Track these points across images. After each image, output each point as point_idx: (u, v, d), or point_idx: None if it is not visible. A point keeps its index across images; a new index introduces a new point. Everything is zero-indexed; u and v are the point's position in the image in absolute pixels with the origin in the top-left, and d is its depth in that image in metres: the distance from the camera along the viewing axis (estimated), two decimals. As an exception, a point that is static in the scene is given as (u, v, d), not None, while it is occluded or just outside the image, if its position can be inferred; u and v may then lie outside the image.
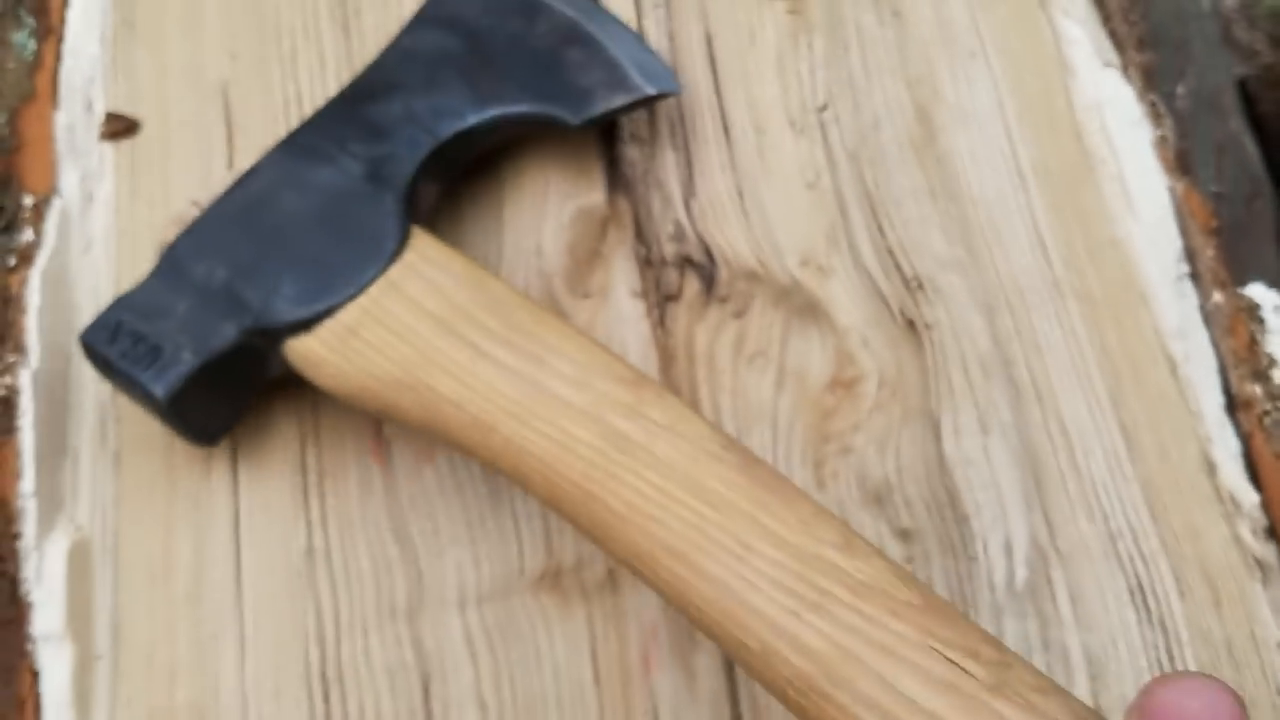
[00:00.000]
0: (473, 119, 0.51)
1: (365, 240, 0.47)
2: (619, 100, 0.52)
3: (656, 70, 0.52)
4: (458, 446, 0.44)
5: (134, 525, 0.52)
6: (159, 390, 0.45)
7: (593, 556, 0.49)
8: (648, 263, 0.54)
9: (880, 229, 0.52)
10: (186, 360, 0.45)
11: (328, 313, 0.46)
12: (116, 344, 0.46)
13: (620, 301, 0.53)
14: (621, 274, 0.54)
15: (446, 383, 0.44)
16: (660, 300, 0.53)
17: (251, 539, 0.50)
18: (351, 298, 0.46)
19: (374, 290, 0.46)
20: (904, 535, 0.48)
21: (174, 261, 0.47)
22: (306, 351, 0.45)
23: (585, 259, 0.54)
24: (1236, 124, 0.86)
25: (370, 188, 0.48)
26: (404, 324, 0.45)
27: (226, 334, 0.46)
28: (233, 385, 0.48)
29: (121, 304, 0.47)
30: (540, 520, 0.49)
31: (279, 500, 0.51)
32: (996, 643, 0.35)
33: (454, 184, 0.54)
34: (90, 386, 0.54)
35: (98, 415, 0.54)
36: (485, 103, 0.51)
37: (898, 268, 0.51)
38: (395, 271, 0.46)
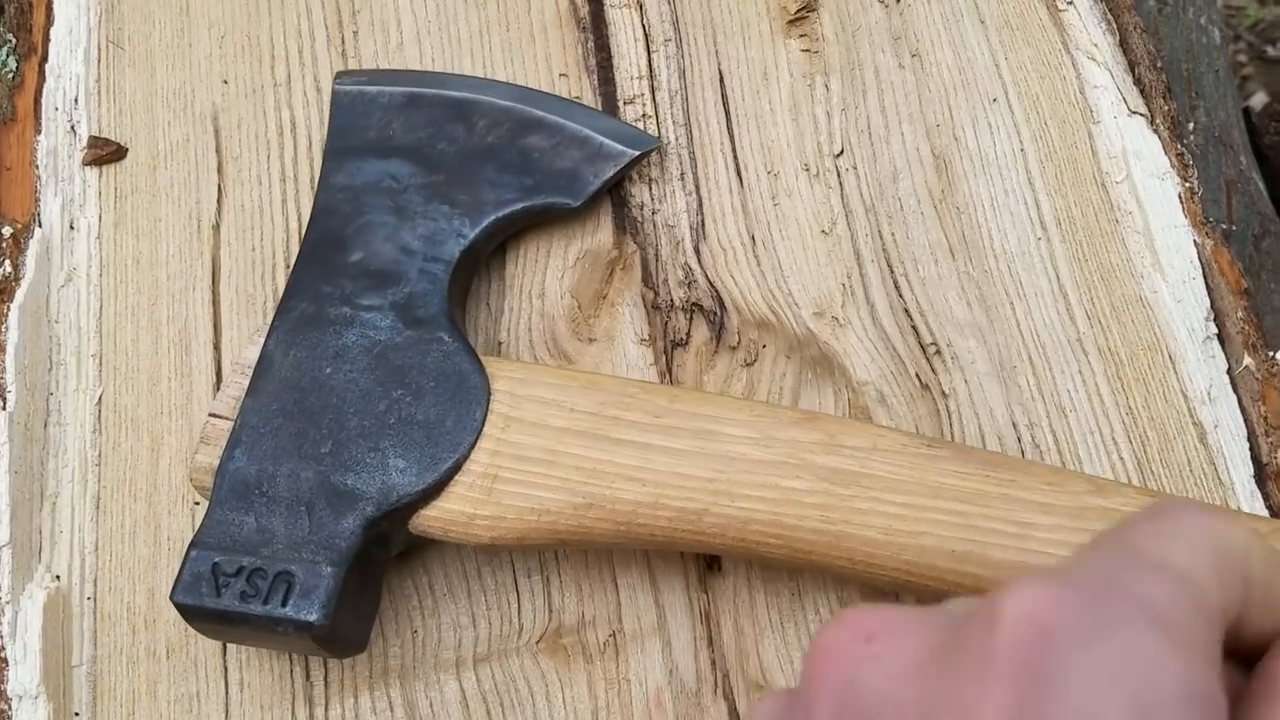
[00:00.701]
0: (472, 233, 0.49)
1: (450, 384, 0.45)
2: (608, 172, 0.51)
3: (626, 132, 0.52)
4: (667, 544, 0.43)
5: (116, 574, 0.50)
6: (316, 616, 0.41)
7: (595, 617, 0.47)
8: (655, 307, 0.53)
9: (897, 287, 0.50)
10: (327, 574, 0.42)
11: (455, 470, 0.44)
12: (227, 590, 0.42)
13: (626, 347, 0.52)
14: (628, 319, 0.52)
15: (630, 489, 0.42)
16: (668, 346, 0.52)
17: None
18: (473, 445, 0.44)
19: (491, 430, 0.44)
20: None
21: (236, 480, 0.44)
22: (447, 516, 0.43)
23: (590, 302, 0.53)
24: (1246, 160, 0.86)
25: (417, 332, 0.46)
26: (546, 449, 0.43)
27: (352, 531, 0.43)
28: (369, 580, 0.45)
29: (202, 547, 0.43)
30: (540, 576, 0.48)
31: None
32: None
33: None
34: (71, 426, 0.53)
35: (79, 457, 0.52)
36: (478, 214, 0.50)
37: (914, 330, 0.50)
38: (500, 404, 0.44)
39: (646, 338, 0.52)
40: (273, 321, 0.47)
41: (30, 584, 0.49)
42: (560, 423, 0.44)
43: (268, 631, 0.42)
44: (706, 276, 0.52)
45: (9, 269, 0.53)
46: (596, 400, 0.44)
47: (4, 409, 0.50)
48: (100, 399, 0.53)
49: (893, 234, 0.51)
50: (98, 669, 0.49)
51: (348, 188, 0.50)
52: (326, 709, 0.47)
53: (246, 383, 0.46)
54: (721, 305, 0.52)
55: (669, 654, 0.47)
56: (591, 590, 0.48)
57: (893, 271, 0.51)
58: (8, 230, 0.54)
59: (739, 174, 0.54)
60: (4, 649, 0.48)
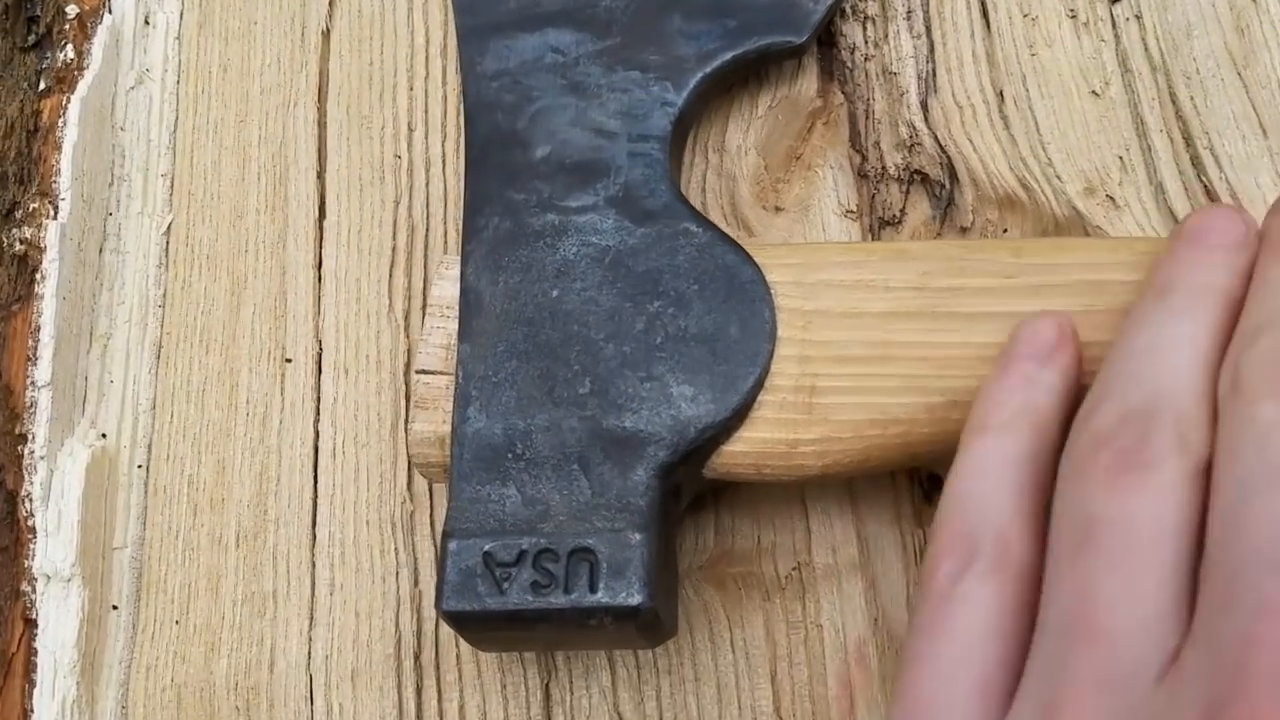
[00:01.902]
0: (679, 99, 0.40)
1: (719, 283, 0.36)
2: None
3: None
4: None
5: (177, 439, 0.41)
6: (640, 597, 0.32)
7: (775, 544, 0.38)
8: (862, 175, 0.43)
9: (1195, 164, 0.41)
10: (637, 542, 0.33)
11: (758, 387, 0.35)
12: (513, 584, 0.33)
13: (825, 220, 0.43)
14: (829, 185, 0.43)
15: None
16: (875, 224, 0.42)
17: (336, 476, 0.40)
18: (771, 353, 0.35)
19: (789, 331, 0.35)
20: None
21: (481, 446, 0.35)
22: (761, 448, 0.35)
23: (781, 162, 0.44)
24: None
25: (653, 228, 0.37)
26: (873, 342, 0.35)
27: (646, 485, 0.34)
28: (669, 544, 0.36)
29: (461, 536, 0.33)
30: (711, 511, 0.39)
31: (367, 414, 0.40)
32: None
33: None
34: (132, 256, 0.44)
35: (139, 292, 0.43)
36: (679, 75, 0.40)
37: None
38: (788, 297, 0.36)
39: (853, 210, 0.43)
40: (462, 246, 0.38)
41: (70, 439, 0.41)
42: (879, 305, 0.35)
43: (575, 628, 0.33)
44: (936, 139, 0.43)
45: (71, 55, 0.45)
46: (917, 271, 0.35)
47: (55, 218, 0.42)
48: (169, 228, 0.45)
49: (1190, 99, 0.42)
50: (146, 554, 0.40)
51: (502, 73, 0.41)
52: (437, 622, 0.38)
53: (453, 326, 0.37)
54: (953, 175, 0.42)
55: (874, 598, 0.37)
56: (773, 510, 0.39)
57: (1190, 145, 0.41)
58: (73, 9, 0.45)
59: (985, 15, 0.44)
60: (32, 515, 0.39)
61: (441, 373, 0.37)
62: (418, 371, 0.37)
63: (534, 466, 0.35)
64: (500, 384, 0.36)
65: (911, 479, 0.39)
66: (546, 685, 0.38)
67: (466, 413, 0.35)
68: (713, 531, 0.39)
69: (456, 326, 0.37)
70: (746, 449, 0.35)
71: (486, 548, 0.33)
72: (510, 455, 0.35)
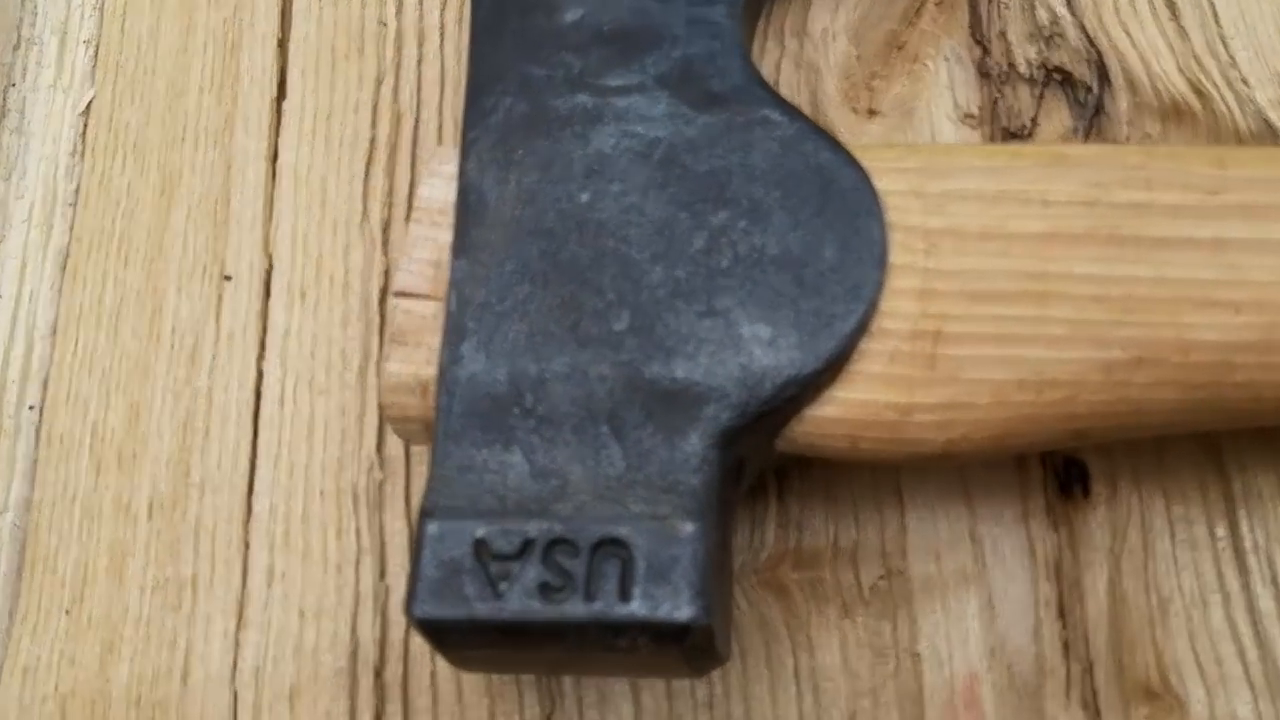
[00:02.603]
0: None
1: (810, 189, 0.27)
2: None
3: None
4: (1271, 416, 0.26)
5: (81, 375, 0.32)
6: (691, 610, 0.23)
7: (858, 544, 0.30)
8: (984, 72, 0.34)
9: None
10: (689, 535, 0.24)
11: (860, 331, 0.26)
12: (513, 584, 0.24)
13: (932, 127, 0.34)
14: (942, 82, 0.34)
15: (1209, 320, 0.25)
16: (999, 134, 0.33)
17: (283, 431, 0.31)
18: (880, 285, 0.26)
19: (904, 256, 0.26)
20: None
21: (476, 395, 0.26)
22: (861, 414, 0.26)
23: (878, 52, 0.35)
24: None
25: (721, 115, 0.28)
26: (1021, 273, 0.26)
27: (702, 456, 0.25)
28: (728, 537, 0.27)
29: (444, 516, 0.24)
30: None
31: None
32: None
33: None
34: (38, 140, 0.35)
35: (43, 185, 0.34)
36: None
37: None
38: (905, 211, 0.27)
39: (972, 115, 0.34)
40: (463, 136, 0.28)
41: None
42: (1034, 225, 0.26)
43: (598, 649, 0.24)
44: (1083, 29, 0.34)
45: (-32, -125, 0.35)
46: (1085, 181, 0.26)
47: (-67, 80, 0.32)
48: (89, 107, 0.36)
49: None
50: (33, 521, 0.32)
51: None
52: (407, 629, 0.29)
53: (446, 238, 0.28)
54: (1103, 76, 0.33)
55: (990, 622, 0.29)
56: (856, 498, 0.30)
57: None
58: None
59: (1151, -128, 0.35)
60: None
61: (429, 297, 0.28)
62: (396, 294, 0.28)
63: (548, 426, 0.26)
64: (507, 314, 0.27)
65: (1044, 464, 0.30)
66: (549, 717, 0.29)
67: (460, 350, 0.26)
68: (773, 523, 0.30)
69: (450, 238, 0.28)
70: (841, 414, 0.26)
71: (479, 534, 0.24)
72: (517, 410, 0.26)
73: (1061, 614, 0.29)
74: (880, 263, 0.26)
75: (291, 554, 0.30)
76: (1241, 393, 0.25)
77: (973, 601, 0.29)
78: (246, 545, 0.30)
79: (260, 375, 0.31)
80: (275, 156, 0.34)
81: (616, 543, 0.24)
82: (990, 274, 0.26)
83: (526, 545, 0.24)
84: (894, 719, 0.28)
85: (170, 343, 0.32)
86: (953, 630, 0.29)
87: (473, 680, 0.29)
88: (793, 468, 0.31)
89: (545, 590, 0.24)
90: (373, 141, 0.33)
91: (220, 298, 0.32)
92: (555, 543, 0.24)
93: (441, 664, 0.29)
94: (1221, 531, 0.29)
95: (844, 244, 0.27)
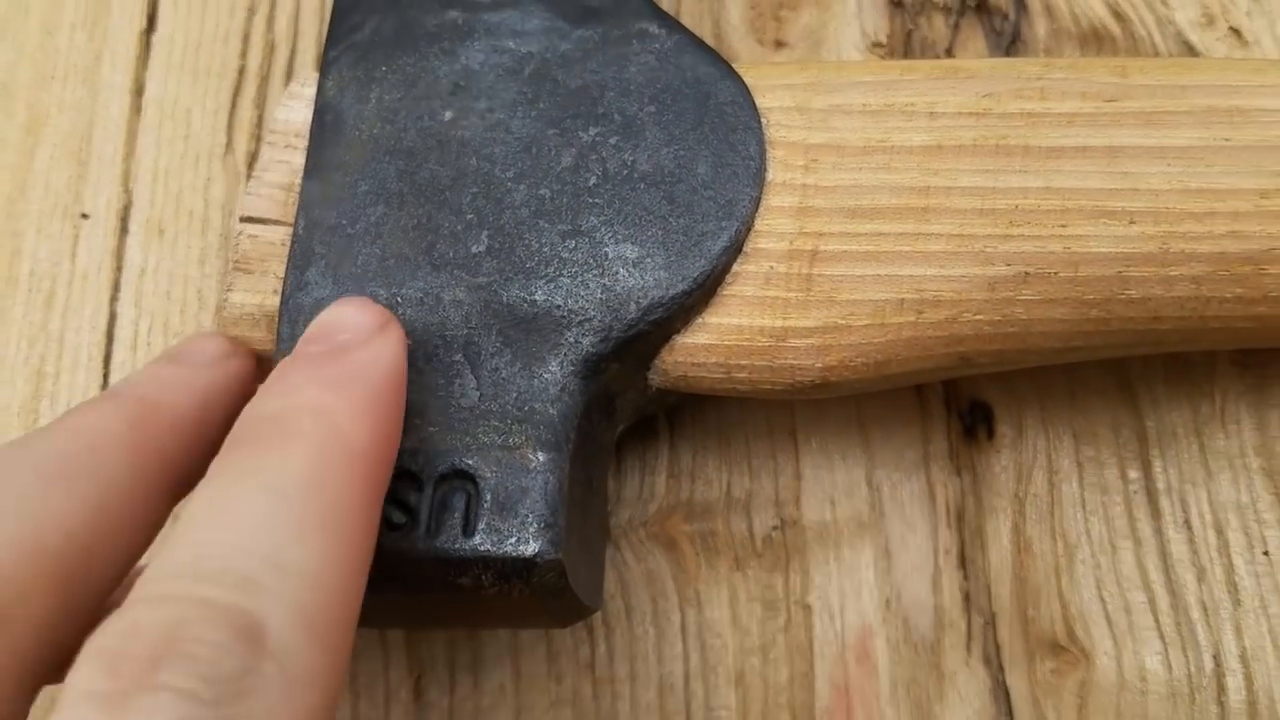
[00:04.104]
0: None
1: (686, 104, 0.26)
2: None
3: None
4: (1177, 341, 0.24)
5: (-75, 319, 0.31)
6: (538, 544, 0.22)
7: (751, 494, 0.28)
8: (897, 1, 0.33)
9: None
10: (541, 465, 0.23)
11: (734, 250, 0.25)
12: None
13: (841, 57, 0.32)
14: (849, 12, 0.33)
15: (1102, 232, 0.23)
16: (911, 69, 0.32)
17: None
18: (757, 202, 0.25)
19: (782, 173, 0.25)
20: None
21: (320, 309, 0.24)
22: (734, 340, 0.24)
23: (785, -16, 0.33)
24: None
25: (596, 29, 0.27)
26: (904, 187, 0.24)
27: (561, 384, 0.24)
28: (596, 477, 0.26)
29: None
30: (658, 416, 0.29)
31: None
32: None
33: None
34: (-108, 72, 0.33)
35: (-104, 122, 0.33)
36: None
37: None
38: (785, 127, 0.25)
39: (881, 43, 0.32)
40: (324, 53, 0.27)
41: None
42: (919, 138, 0.25)
43: (442, 590, 0.23)
44: (997, -48, 0.32)
45: None
46: (975, 93, 0.25)
47: None
48: (-46, 44, 0.34)
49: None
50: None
51: None
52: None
53: (299, 159, 0.27)
54: (1021, 2, 0.32)
55: (886, 572, 0.27)
56: (749, 444, 0.29)
57: (1357, -47, 0.31)
58: None
59: None
60: None
61: (278, 222, 0.26)
62: (242, 219, 0.26)
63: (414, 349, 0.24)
64: (358, 237, 0.25)
65: (948, 406, 0.29)
66: (418, 681, 0.27)
67: (305, 276, 0.25)
68: (664, 473, 0.29)
69: (306, 159, 0.26)
70: (712, 340, 0.24)
71: None
72: None
73: (963, 563, 0.27)
74: (757, 179, 0.25)
75: (140, 504, 0.28)
76: (1136, 310, 0.23)
77: (868, 551, 0.27)
78: (93, 495, 0.28)
79: (113, 317, 0.30)
80: (141, 90, 0.32)
81: (463, 475, 0.23)
82: (871, 189, 0.24)
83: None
84: (783, 675, 0.27)
85: (28, 285, 0.31)
86: (846, 581, 0.27)
87: (332, 638, 0.27)
88: (686, 411, 0.29)
89: (384, 526, 0.22)
90: (241, 72, 0.32)
91: (77, 237, 0.31)
92: (398, 476, 0.23)
93: (299, 621, 0.27)
94: (1134, 473, 0.27)
95: (719, 160, 0.25)
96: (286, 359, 0.21)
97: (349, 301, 0.23)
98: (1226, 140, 0.24)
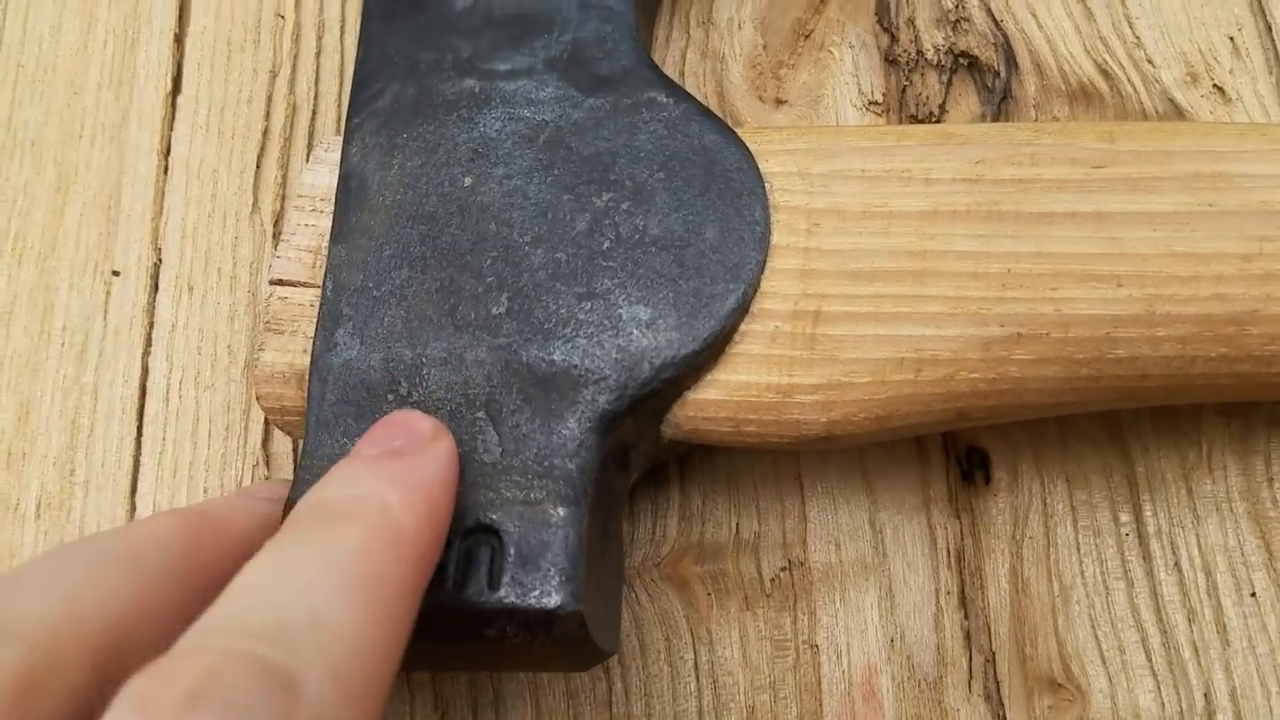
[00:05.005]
0: None
1: (694, 170, 0.27)
2: None
3: None
4: (1161, 394, 0.25)
5: (-37, 374, 0.32)
6: (559, 597, 0.23)
7: (759, 536, 0.29)
8: (891, 59, 0.34)
9: (1337, 37, 0.32)
10: (560, 519, 0.24)
11: (740, 312, 0.26)
12: None
13: (841, 113, 0.33)
14: (848, 69, 0.34)
15: (1091, 294, 0.24)
16: (907, 121, 0.33)
17: (168, 427, 0.30)
18: (762, 265, 0.26)
19: (786, 237, 0.26)
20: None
21: (350, 382, 0.26)
22: (741, 396, 0.25)
23: (786, 41, 0.35)
24: None
25: (608, 98, 0.28)
26: (903, 251, 0.26)
27: (579, 440, 0.25)
28: (612, 526, 0.27)
29: None
30: (670, 464, 0.30)
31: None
32: None
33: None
34: (-73, 134, 0.35)
35: (-68, 182, 0.34)
36: None
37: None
38: (788, 192, 0.27)
39: (877, 102, 0.33)
40: (348, 119, 0.28)
41: None
42: (916, 203, 0.26)
43: (468, 640, 0.24)
44: (989, 12, 0.34)
45: None
46: (969, 159, 0.26)
47: None
48: (-14, 105, 0.35)
49: (1332, -41, 0.32)
50: (-79, 524, 0.31)
51: None
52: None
53: (325, 223, 0.28)
54: (1010, 60, 0.33)
55: (890, 612, 0.28)
56: (758, 489, 0.30)
57: (1331, 17, 0.32)
58: None
59: None
60: None
61: (306, 284, 0.28)
62: (273, 282, 0.27)
63: (424, 411, 0.25)
64: (384, 299, 0.26)
65: (946, 452, 0.30)
66: (442, 718, 0.28)
67: (334, 337, 0.26)
68: (676, 516, 0.30)
69: (332, 223, 0.27)
70: (722, 397, 0.26)
71: None
72: (392, 397, 0.25)
73: (963, 603, 0.28)
74: (762, 243, 0.26)
75: (174, 553, 0.29)
76: (1125, 369, 0.24)
77: (872, 591, 0.29)
78: (129, 545, 0.29)
79: (145, 371, 0.31)
80: (168, 151, 0.33)
81: (487, 529, 0.24)
82: (871, 253, 0.26)
83: None
84: (792, 712, 0.28)
85: (61, 340, 0.32)
86: (851, 621, 0.28)
87: (359, 680, 0.28)
88: (696, 457, 0.30)
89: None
90: (265, 133, 0.33)
91: (109, 293, 0.32)
92: None
93: (328, 664, 0.28)
94: (1125, 517, 0.28)
95: (726, 224, 0.26)
96: (345, 459, 0.23)
97: (404, 413, 0.24)
98: (1210, 205, 0.25)
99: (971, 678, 0.28)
